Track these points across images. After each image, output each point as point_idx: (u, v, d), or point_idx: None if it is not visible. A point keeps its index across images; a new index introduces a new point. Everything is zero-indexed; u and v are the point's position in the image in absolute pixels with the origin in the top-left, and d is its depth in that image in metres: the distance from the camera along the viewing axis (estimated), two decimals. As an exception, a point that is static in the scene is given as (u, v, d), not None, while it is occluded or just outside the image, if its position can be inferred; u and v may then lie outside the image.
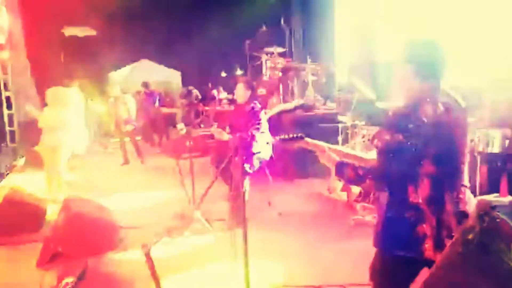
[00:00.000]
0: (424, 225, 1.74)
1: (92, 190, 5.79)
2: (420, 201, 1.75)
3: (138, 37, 12.47)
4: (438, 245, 1.70)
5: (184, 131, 4.55)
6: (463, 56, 5.51)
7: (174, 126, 9.13)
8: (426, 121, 1.75)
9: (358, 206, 4.73)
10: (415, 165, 1.76)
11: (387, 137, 1.82)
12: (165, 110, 11.33)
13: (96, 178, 7.11)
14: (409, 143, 1.74)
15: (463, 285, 1.38)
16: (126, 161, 8.32)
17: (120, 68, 14.03)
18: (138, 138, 9.23)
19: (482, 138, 3.69)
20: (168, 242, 4.01)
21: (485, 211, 1.29)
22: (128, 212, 5.15)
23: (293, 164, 6.40)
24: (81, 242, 3.97)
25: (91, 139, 8.14)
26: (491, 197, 1.29)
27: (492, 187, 3.68)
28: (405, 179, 1.80)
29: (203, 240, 4.24)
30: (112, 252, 4.04)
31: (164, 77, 14.30)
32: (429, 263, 1.70)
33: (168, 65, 14.40)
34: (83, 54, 11.56)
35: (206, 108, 10.41)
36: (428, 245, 1.70)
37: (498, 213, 1.26)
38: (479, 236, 1.25)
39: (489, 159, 3.76)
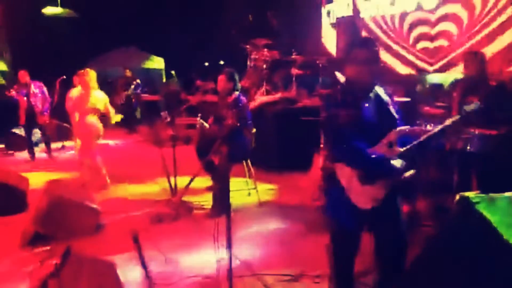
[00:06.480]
0: None
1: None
2: None
3: (121, 22, 12.23)
4: None
5: (168, 120, 4.56)
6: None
7: (156, 114, 9.03)
8: None
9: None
10: None
11: None
12: (146, 97, 11.24)
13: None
14: None
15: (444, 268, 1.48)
16: None
17: (101, 54, 13.68)
18: None
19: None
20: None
21: (465, 206, 1.39)
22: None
23: (275, 155, 6.49)
24: (61, 224, 4.00)
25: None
26: (471, 194, 1.38)
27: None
28: None
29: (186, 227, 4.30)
30: (93, 235, 4.08)
31: (147, 63, 14.10)
32: None
33: (151, 52, 14.15)
34: (64, 36, 11.31)
35: (189, 97, 10.34)
36: None
37: (477, 210, 1.36)
38: (459, 227, 1.36)
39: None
